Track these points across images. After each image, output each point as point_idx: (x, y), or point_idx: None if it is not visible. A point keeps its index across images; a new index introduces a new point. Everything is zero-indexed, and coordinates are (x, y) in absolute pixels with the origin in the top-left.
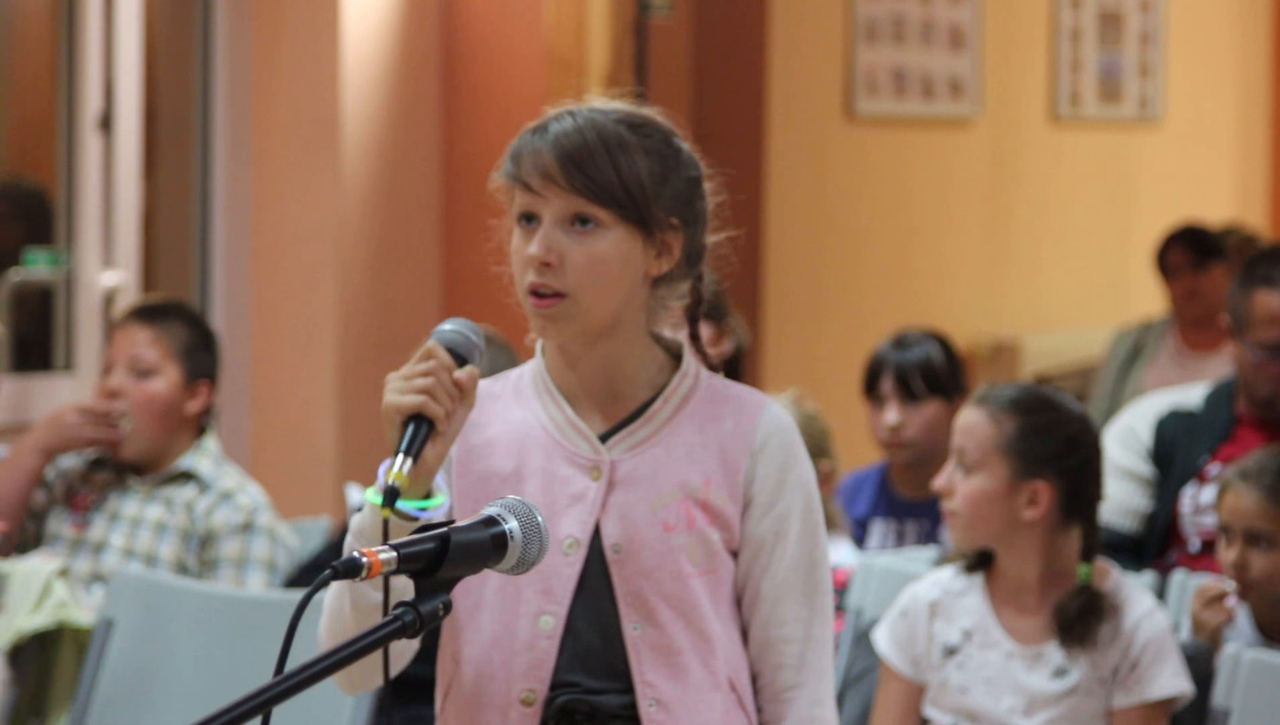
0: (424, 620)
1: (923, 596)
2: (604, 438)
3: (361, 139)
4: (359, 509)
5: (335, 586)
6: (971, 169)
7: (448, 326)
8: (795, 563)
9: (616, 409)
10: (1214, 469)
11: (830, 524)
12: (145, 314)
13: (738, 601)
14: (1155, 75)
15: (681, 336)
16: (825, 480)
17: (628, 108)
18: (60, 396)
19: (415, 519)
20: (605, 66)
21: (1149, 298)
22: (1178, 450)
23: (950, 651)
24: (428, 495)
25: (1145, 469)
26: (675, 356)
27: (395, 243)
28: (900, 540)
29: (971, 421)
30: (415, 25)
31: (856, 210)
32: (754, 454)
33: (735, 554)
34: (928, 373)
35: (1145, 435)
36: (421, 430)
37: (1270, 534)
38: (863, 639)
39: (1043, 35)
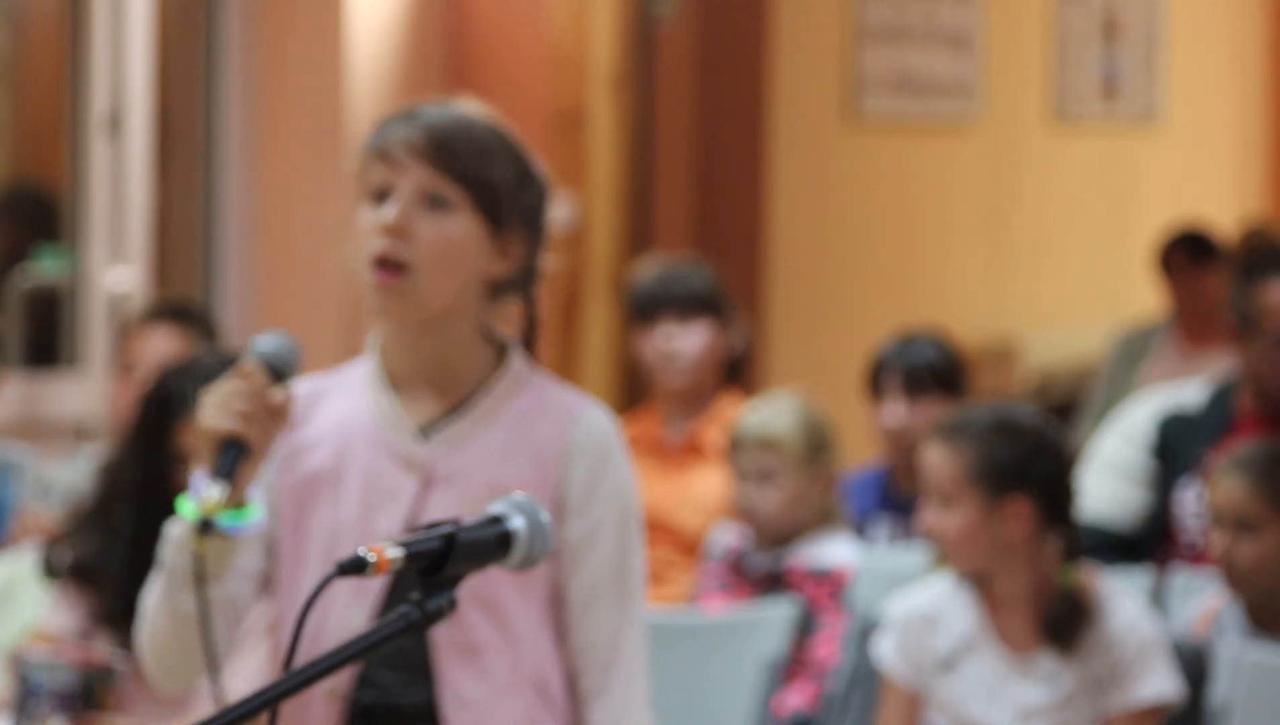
0: (429, 618)
1: (918, 607)
2: (428, 433)
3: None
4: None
5: (156, 591)
6: (973, 170)
7: (267, 342)
8: (606, 569)
9: (442, 405)
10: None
11: (833, 521)
12: (174, 314)
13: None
14: (1155, 77)
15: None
16: (831, 481)
17: (490, 114)
18: (68, 395)
19: (228, 537)
20: (609, 69)
21: (1149, 298)
22: (1179, 447)
23: (947, 662)
24: (239, 507)
25: (1145, 465)
26: (502, 355)
27: None
28: (902, 538)
29: (935, 458)
30: (421, 26)
31: (858, 212)
32: (567, 458)
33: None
34: (932, 370)
35: (1146, 432)
36: (238, 455)
37: (1258, 524)
38: (865, 637)
39: (1044, 38)
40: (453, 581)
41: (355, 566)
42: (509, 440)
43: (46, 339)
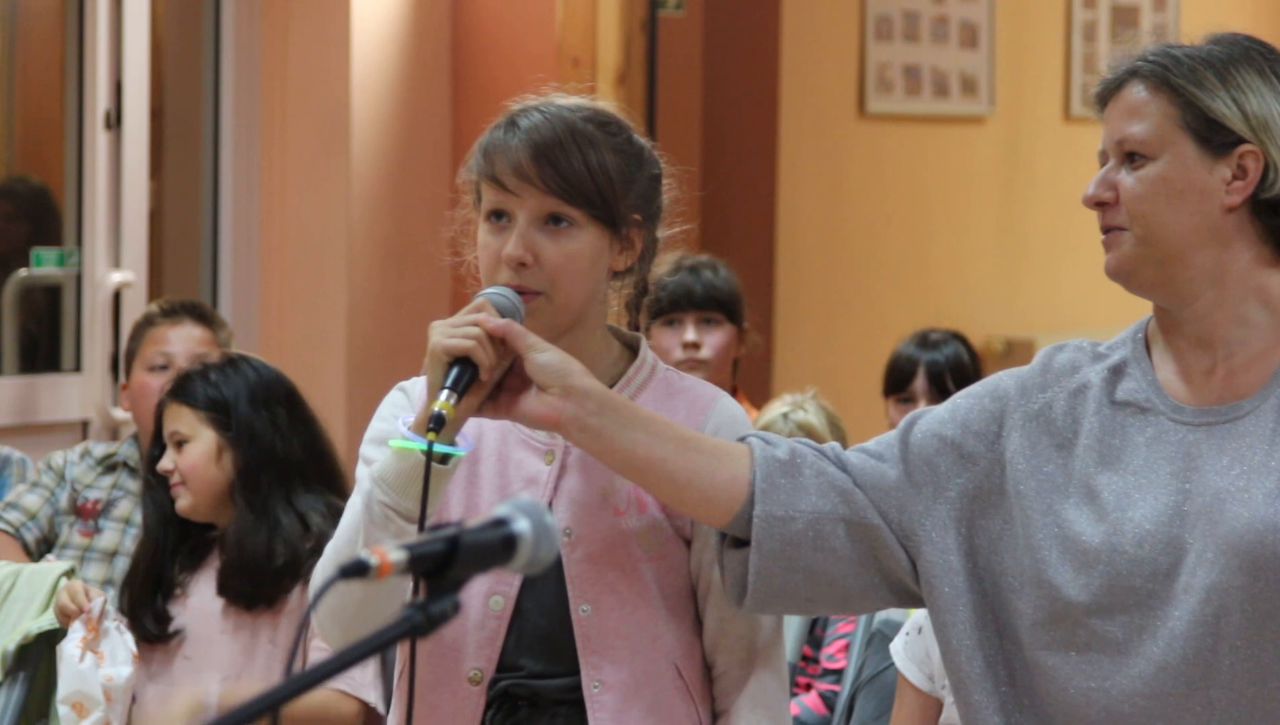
0: (433, 621)
1: None
2: None
3: (371, 137)
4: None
5: (352, 542)
6: (985, 166)
7: (492, 290)
8: None
9: None
10: None
11: None
12: (194, 313)
13: (693, 589)
14: None
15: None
16: None
17: (591, 104)
18: (68, 396)
19: (444, 463)
20: (616, 64)
21: None
22: None
23: None
24: (450, 442)
25: None
26: (630, 347)
27: (404, 241)
28: None
29: None
30: (425, 22)
31: (870, 208)
32: None
33: (689, 542)
34: (958, 372)
35: None
36: (466, 373)
37: None
38: (873, 641)
39: (1056, 32)
40: (456, 584)
41: (358, 569)
42: None
43: (46, 340)
